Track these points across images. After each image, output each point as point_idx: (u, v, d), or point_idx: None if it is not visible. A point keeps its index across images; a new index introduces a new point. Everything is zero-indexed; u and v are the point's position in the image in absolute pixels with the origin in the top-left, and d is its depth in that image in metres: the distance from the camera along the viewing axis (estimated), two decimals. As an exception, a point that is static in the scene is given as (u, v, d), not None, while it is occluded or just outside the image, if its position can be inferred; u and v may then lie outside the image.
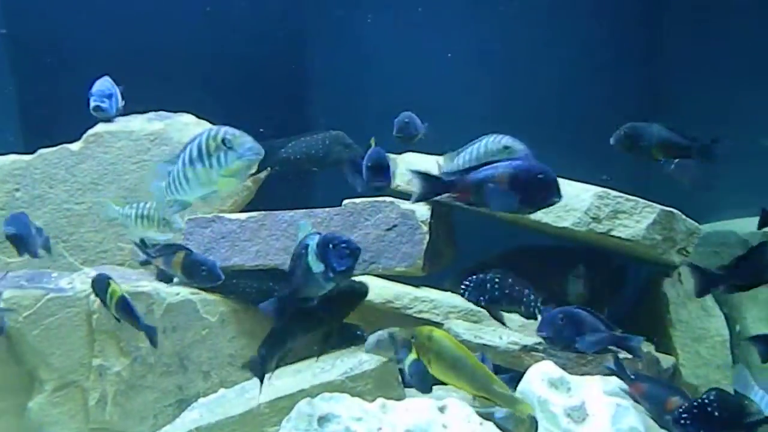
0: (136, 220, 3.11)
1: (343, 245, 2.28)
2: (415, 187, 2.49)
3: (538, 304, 2.88)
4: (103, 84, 3.78)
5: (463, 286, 3.03)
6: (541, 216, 3.30)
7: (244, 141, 2.06)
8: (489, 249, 3.99)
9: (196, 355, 3.40)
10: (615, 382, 2.69)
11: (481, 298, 2.99)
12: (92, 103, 3.76)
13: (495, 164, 2.38)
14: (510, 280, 2.98)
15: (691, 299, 3.20)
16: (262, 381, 2.58)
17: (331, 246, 2.28)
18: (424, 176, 2.48)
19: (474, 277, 3.03)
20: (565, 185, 3.35)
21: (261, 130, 2.47)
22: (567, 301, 3.39)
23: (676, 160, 2.94)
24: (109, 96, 3.77)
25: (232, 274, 3.57)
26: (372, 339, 2.98)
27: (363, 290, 2.80)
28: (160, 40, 4.27)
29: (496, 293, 2.99)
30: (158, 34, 4.32)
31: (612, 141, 2.90)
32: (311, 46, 4.64)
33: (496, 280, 3.00)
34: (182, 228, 3.31)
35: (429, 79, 4.34)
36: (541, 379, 2.70)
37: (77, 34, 4.27)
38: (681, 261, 3.23)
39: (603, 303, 3.29)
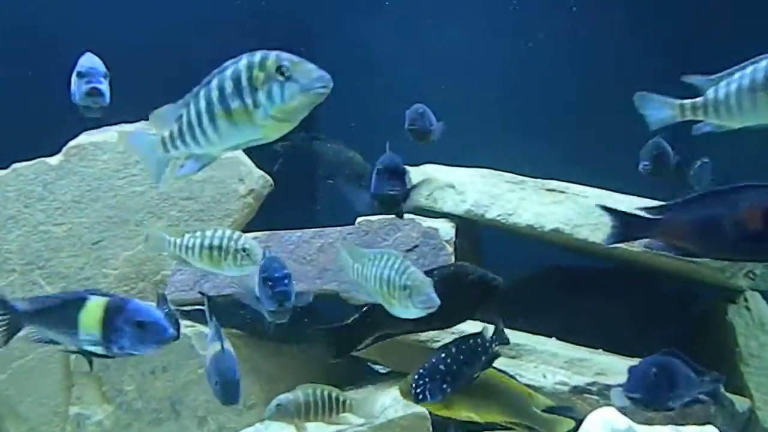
0: (203, 252, 2.20)
1: (270, 284, 2.07)
2: (609, 227, 2.01)
3: None
4: (93, 61, 2.59)
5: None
6: (588, 234, 2.90)
7: (309, 69, 1.46)
8: (518, 269, 3.59)
9: (190, 399, 2.95)
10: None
11: None
12: (84, 86, 2.48)
13: (724, 192, 1.76)
14: None
15: (762, 330, 2.79)
16: None
17: (265, 282, 2.08)
18: (619, 214, 2.01)
19: None
20: (613, 199, 2.98)
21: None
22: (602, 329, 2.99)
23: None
24: (105, 77, 2.54)
25: (232, 303, 3.14)
26: (272, 404, 2.46)
27: (495, 284, 2.22)
28: (151, 40, 3.88)
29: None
30: (150, 33, 3.92)
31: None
32: (314, 48, 4.26)
33: None
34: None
35: (445, 83, 3.96)
36: (603, 428, 2.27)
37: (53, 35, 3.85)
38: (748, 285, 2.82)
39: (654, 335, 2.87)
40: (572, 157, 3.45)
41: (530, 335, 2.95)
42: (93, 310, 1.76)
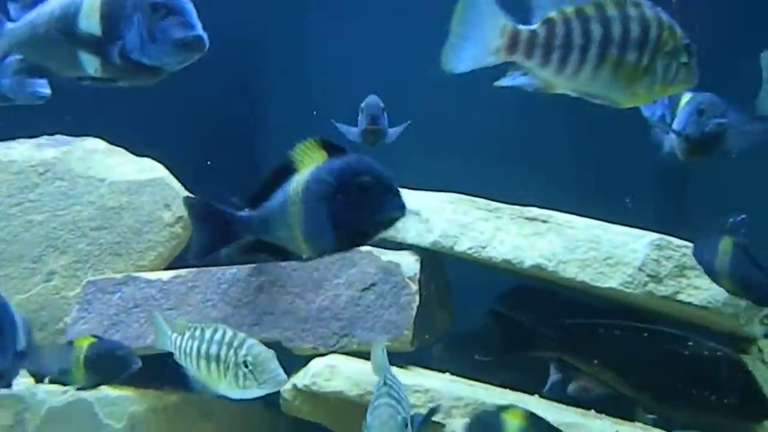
0: (199, 361, 1.76)
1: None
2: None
3: None
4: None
5: None
6: (576, 272, 2.45)
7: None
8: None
9: (91, 484, 2.35)
10: None
11: None
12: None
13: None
14: None
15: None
16: None
17: None
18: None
19: None
20: (605, 231, 2.54)
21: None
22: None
23: None
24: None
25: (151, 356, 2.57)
26: None
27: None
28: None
29: None
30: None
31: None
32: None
33: None
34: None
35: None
36: None
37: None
38: (764, 333, 2.41)
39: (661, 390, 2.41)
40: (557, 181, 3.01)
41: (507, 391, 2.47)
42: None
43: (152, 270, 2.80)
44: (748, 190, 2.67)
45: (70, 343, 2.25)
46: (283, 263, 2.71)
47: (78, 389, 2.30)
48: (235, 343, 1.70)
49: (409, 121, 2.78)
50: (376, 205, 1.54)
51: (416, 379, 2.47)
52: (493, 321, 2.53)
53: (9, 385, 1.84)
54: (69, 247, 2.82)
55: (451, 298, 3.06)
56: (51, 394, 2.37)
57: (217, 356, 1.70)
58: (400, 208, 1.56)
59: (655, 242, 2.38)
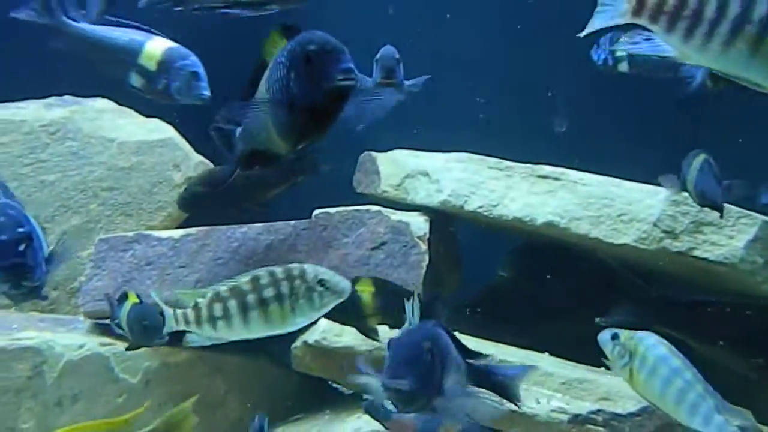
0: (249, 313, 1.72)
1: None
2: None
3: None
4: None
5: None
6: (589, 228, 2.42)
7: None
8: (504, 269, 3.11)
9: (107, 435, 2.40)
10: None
11: None
12: None
13: None
14: None
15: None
16: None
17: None
18: None
19: None
20: (618, 187, 2.51)
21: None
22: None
23: None
24: None
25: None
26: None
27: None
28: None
29: None
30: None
31: None
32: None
33: None
34: None
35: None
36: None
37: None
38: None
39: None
40: (569, 139, 2.96)
41: (518, 350, 2.47)
42: None
43: (161, 230, 2.81)
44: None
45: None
46: (292, 223, 2.72)
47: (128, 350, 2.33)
48: (295, 273, 1.70)
49: (429, 75, 2.65)
50: (326, 73, 1.45)
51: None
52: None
53: (45, 297, 1.92)
54: (81, 207, 2.84)
55: (461, 260, 3.05)
56: (68, 347, 2.41)
57: (278, 295, 1.69)
58: (347, 72, 1.46)
59: (672, 197, 2.34)
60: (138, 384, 2.47)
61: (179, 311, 1.75)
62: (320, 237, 2.70)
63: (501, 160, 2.71)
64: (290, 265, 1.74)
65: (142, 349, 2.52)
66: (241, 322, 1.71)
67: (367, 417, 2.26)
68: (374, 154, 3.02)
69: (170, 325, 1.75)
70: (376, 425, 2.19)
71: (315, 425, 2.38)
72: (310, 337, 2.46)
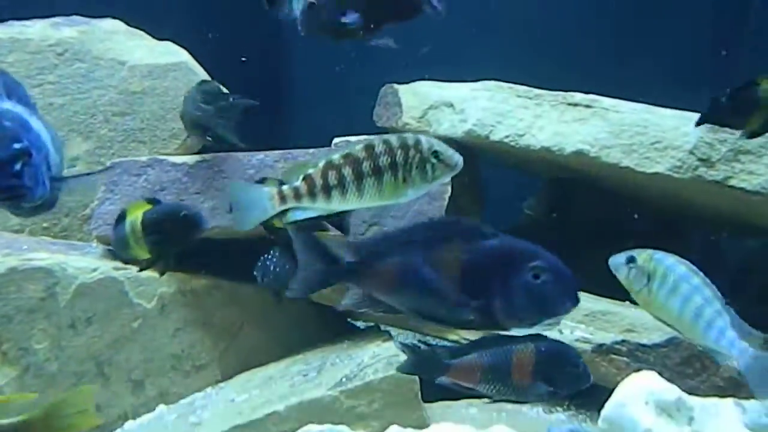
0: (363, 181, 1.63)
1: None
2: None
3: None
4: None
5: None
6: (621, 157, 2.33)
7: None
8: (528, 208, 3.03)
9: (122, 358, 2.37)
10: (755, 407, 1.77)
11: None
12: None
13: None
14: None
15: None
16: None
17: None
18: (315, 249, 1.64)
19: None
20: (653, 114, 2.40)
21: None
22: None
23: None
24: None
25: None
26: None
27: None
28: None
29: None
30: None
31: None
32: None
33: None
34: None
35: None
36: (644, 400, 1.77)
37: None
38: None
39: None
40: (600, 66, 2.83)
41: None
42: None
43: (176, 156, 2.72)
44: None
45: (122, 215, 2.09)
46: (311, 150, 2.62)
47: (141, 270, 2.25)
48: (410, 143, 1.60)
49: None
50: None
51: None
52: None
53: (52, 206, 1.76)
54: (91, 132, 2.74)
55: (484, 193, 2.96)
56: (81, 270, 2.35)
57: (393, 164, 1.59)
58: None
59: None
60: (153, 309, 2.42)
61: (286, 187, 1.62)
62: (339, 165, 2.61)
63: (530, 89, 2.59)
64: (404, 134, 1.64)
65: (157, 274, 2.47)
66: (356, 191, 1.60)
67: (386, 344, 2.22)
68: (396, 86, 2.91)
69: (273, 205, 1.61)
70: (394, 350, 2.14)
71: (334, 352, 2.33)
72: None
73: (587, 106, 2.45)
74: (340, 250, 1.57)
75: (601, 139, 2.38)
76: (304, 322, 2.73)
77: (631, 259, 1.82)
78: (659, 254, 1.79)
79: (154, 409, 2.33)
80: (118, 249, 2.24)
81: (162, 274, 2.26)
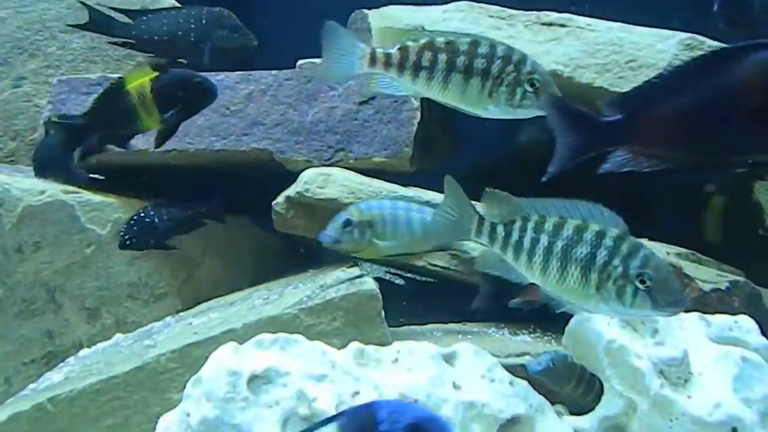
0: (474, 77, 1.54)
1: None
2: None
3: None
4: None
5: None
6: (594, 77, 2.25)
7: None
8: (497, 139, 2.95)
9: (75, 286, 2.27)
10: (720, 322, 1.76)
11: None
12: None
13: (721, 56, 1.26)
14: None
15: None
16: None
17: None
18: (570, 115, 1.37)
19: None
20: (629, 33, 2.31)
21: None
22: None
23: None
24: None
25: (134, 169, 2.43)
26: None
27: None
28: None
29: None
30: None
31: None
32: None
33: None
34: None
35: None
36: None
37: None
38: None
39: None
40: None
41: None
42: None
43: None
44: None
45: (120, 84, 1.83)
46: (274, 72, 2.50)
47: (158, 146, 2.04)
48: (514, 58, 1.52)
49: None
50: None
51: (416, 192, 2.35)
52: None
53: None
54: (37, 50, 2.56)
55: (455, 123, 2.87)
56: (27, 192, 2.22)
57: (486, 70, 1.49)
58: None
59: (685, 41, 2.15)
60: (107, 235, 2.31)
61: (380, 50, 1.52)
62: (304, 88, 2.49)
63: (503, 9, 2.48)
64: (512, 47, 1.54)
65: (111, 200, 2.35)
66: (441, 82, 1.51)
67: (351, 269, 2.16)
68: (366, 11, 2.77)
69: (361, 65, 1.52)
70: (358, 273, 2.08)
71: (298, 279, 2.26)
72: (292, 190, 2.30)
73: (562, 26, 2.35)
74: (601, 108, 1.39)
75: (575, 59, 2.29)
76: (270, 254, 2.65)
77: (347, 222, 1.87)
78: (362, 204, 1.88)
79: (112, 338, 2.25)
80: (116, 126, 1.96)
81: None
